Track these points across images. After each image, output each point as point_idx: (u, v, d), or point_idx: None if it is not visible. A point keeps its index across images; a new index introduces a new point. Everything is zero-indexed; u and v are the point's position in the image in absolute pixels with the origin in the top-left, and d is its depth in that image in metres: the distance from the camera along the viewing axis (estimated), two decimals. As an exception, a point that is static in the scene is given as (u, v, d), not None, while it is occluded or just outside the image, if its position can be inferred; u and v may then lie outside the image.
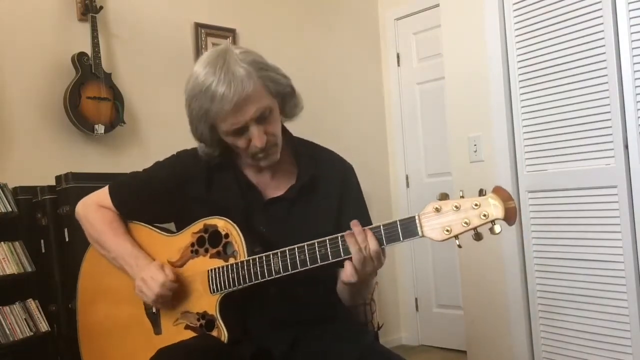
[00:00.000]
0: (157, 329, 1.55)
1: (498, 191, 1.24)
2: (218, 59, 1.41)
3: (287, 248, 1.39)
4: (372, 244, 1.33)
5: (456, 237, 1.26)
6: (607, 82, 2.49)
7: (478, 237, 1.26)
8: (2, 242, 2.38)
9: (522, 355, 2.89)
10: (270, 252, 1.41)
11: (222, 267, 1.46)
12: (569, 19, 2.61)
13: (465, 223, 1.24)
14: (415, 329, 4.14)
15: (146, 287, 1.48)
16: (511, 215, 1.23)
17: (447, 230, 1.26)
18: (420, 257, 4.05)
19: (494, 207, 1.22)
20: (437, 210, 1.26)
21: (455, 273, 3.56)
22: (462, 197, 1.26)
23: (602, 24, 2.49)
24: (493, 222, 1.23)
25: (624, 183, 2.46)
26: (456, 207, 1.25)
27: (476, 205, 1.24)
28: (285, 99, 1.52)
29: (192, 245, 1.52)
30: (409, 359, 1.52)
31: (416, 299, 4.13)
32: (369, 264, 1.35)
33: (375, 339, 1.64)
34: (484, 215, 1.23)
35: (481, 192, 1.25)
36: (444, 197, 1.28)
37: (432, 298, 4.04)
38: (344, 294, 1.54)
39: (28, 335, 2.35)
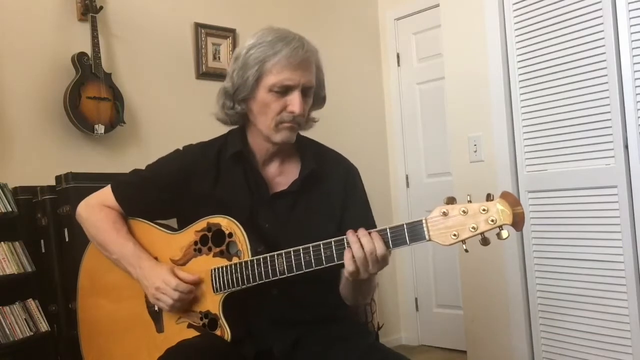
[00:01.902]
0: (159, 327, 1.55)
1: (506, 196, 1.23)
2: (289, 32, 1.50)
3: (291, 249, 1.39)
4: (379, 248, 1.32)
5: (463, 241, 1.26)
6: (607, 82, 2.49)
7: (485, 242, 1.25)
8: (2, 242, 2.38)
9: (522, 355, 2.89)
10: (275, 253, 1.40)
11: (226, 266, 1.46)
12: (569, 19, 2.61)
13: (473, 228, 1.24)
14: (415, 329, 4.14)
15: (162, 294, 1.48)
16: (519, 221, 1.22)
17: (455, 235, 1.25)
18: (420, 257, 4.05)
19: (502, 213, 1.22)
20: (445, 214, 1.26)
21: (455, 273, 3.57)
22: (470, 201, 1.25)
23: (602, 24, 2.49)
24: (500, 227, 1.23)
25: (624, 183, 2.46)
26: (464, 211, 1.24)
27: (484, 210, 1.23)
28: (317, 98, 1.57)
29: (195, 243, 1.52)
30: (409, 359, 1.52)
31: (416, 299, 4.13)
32: (374, 266, 1.34)
33: (375, 339, 1.65)
34: (492, 221, 1.22)
35: (489, 197, 1.24)
36: (451, 201, 1.26)
37: (432, 298, 4.04)
38: (345, 292, 1.53)
39: (28, 335, 2.34)
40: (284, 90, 1.47)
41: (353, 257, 1.32)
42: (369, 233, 1.32)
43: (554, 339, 2.77)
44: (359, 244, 1.32)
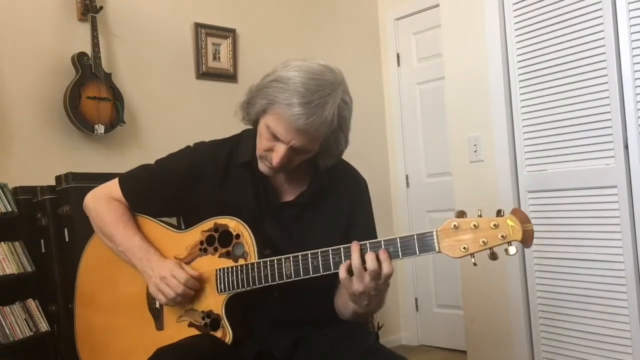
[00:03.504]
0: (159, 325, 1.55)
1: (517, 213, 1.25)
2: (327, 86, 1.39)
3: (299, 253, 1.39)
4: (386, 268, 1.32)
5: (472, 255, 1.27)
6: (607, 82, 2.49)
7: (494, 256, 1.26)
8: (2, 242, 2.38)
9: (522, 355, 2.89)
10: (283, 256, 1.40)
11: (232, 267, 1.46)
12: (569, 19, 2.61)
13: (483, 242, 1.25)
14: (415, 329, 4.14)
15: (165, 285, 1.46)
16: (528, 238, 1.24)
17: (464, 248, 1.27)
18: (420, 257, 4.03)
19: (512, 229, 1.24)
20: (455, 227, 1.28)
21: (455, 273, 3.57)
22: (480, 216, 1.27)
23: (602, 24, 2.49)
24: (509, 243, 1.25)
25: (624, 183, 2.46)
26: (474, 225, 1.26)
27: (495, 225, 1.25)
28: (327, 154, 1.51)
29: (201, 243, 1.52)
30: (409, 359, 1.52)
31: (416, 299, 4.13)
32: (371, 282, 1.33)
33: (376, 340, 1.65)
34: (502, 236, 1.24)
35: (499, 213, 1.26)
36: (462, 214, 1.28)
37: (432, 298, 4.04)
38: (343, 307, 1.51)
39: (28, 335, 2.34)
40: (276, 137, 1.43)
41: (350, 266, 1.33)
42: (376, 254, 1.32)
43: (554, 339, 2.77)
44: (358, 254, 1.32)
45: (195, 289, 1.48)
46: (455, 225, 1.28)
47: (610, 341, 2.54)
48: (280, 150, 1.43)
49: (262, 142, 1.47)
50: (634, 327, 2.46)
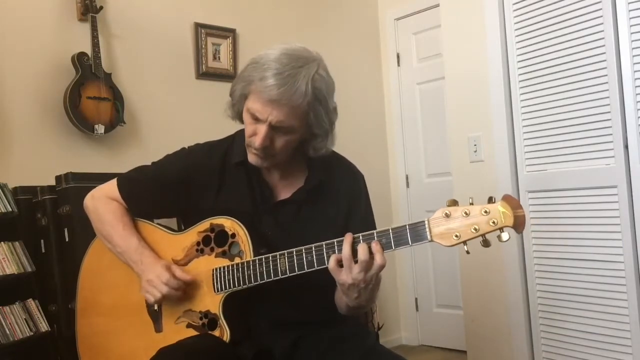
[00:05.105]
0: (158, 327, 1.55)
1: (508, 199, 1.25)
2: (300, 60, 1.44)
3: (294, 249, 1.39)
4: (379, 259, 1.32)
5: (465, 243, 1.27)
6: (607, 82, 2.49)
7: (486, 243, 1.26)
8: (2, 242, 2.37)
9: (522, 355, 2.89)
10: (277, 253, 1.41)
11: (228, 266, 1.46)
12: (569, 19, 2.61)
13: (475, 229, 1.25)
14: (415, 329, 4.14)
15: (151, 287, 1.48)
16: (520, 223, 1.24)
17: (457, 236, 1.27)
18: (420, 257, 4.05)
19: (503, 215, 1.24)
20: (447, 215, 1.28)
21: (455, 273, 3.57)
22: (472, 203, 1.27)
23: (602, 24, 2.49)
24: (501, 229, 1.24)
25: (624, 183, 2.46)
26: (466, 213, 1.26)
27: (485, 212, 1.25)
28: (313, 137, 1.51)
29: (198, 244, 1.52)
30: (409, 359, 1.52)
31: (416, 299, 4.13)
32: (359, 273, 1.33)
33: (375, 340, 1.65)
34: (493, 222, 1.24)
35: (490, 200, 1.26)
36: (453, 203, 1.28)
37: (432, 298, 4.04)
38: (339, 300, 1.52)
39: (28, 335, 2.34)
40: (256, 117, 1.44)
41: (340, 259, 1.33)
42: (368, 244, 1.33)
43: (554, 339, 2.77)
44: (350, 245, 1.33)
45: (179, 289, 1.48)
46: (446, 213, 1.28)
47: (610, 341, 2.54)
48: (261, 131, 1.43)
49: (247, 129, 1.48)
50: (634, 327, 2.46)
